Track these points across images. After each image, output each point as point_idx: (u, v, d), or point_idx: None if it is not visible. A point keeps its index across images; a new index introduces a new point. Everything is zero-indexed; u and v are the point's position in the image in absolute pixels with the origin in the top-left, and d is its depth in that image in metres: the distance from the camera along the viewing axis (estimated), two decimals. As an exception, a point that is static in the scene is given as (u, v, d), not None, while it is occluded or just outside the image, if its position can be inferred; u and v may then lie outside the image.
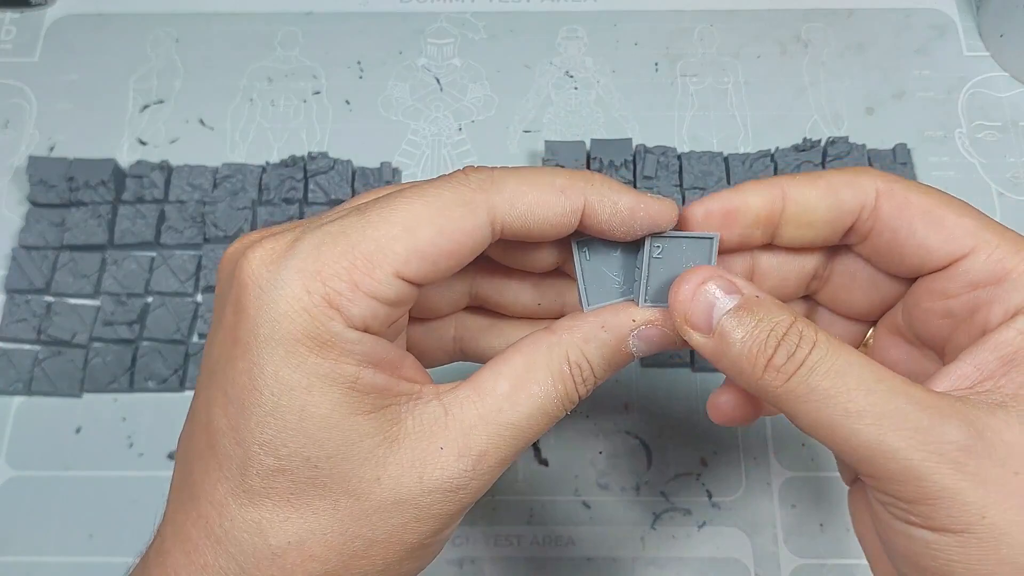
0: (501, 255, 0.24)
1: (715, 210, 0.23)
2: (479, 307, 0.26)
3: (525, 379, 0.21)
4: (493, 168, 0.22)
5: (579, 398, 0.22)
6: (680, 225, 0.23)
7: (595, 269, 0.23)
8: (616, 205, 0.22)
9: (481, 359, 0.26)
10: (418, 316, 0.25)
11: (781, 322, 0.20)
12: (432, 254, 0.20)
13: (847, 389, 0.19)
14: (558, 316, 0.24)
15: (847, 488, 0.24)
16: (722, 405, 0.24)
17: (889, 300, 0.24)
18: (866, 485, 0.20)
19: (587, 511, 0.34)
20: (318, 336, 0.19)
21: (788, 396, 0.20)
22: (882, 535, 0.21)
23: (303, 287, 0.19)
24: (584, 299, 0.23)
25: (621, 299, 0.23)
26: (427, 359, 0.26)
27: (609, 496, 0.35)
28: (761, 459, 0.35)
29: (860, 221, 0.22)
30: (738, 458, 0.35)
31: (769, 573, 0.34)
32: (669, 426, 0.36)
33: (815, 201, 0.22)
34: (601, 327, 0.22)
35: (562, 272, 0.25)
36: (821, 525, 0.34)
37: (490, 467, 0.21)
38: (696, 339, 0.21)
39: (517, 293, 0.25)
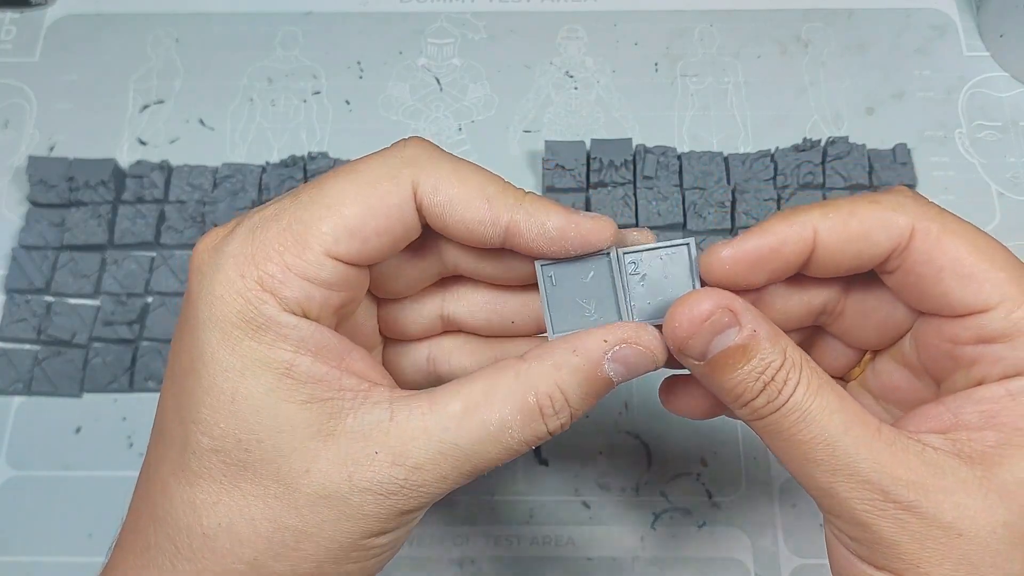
0: (470, 268, 0.23)
1: (740, 260, 0.21)
2: (455, 331, 0.25)
3: (481, 404, 0.20)
4: (435, 148, 0.21)
5: (549, 433, 0.21)
6: (706, 265, 0.21)
7: (563, 294, 0.22)
8: (544, 226, 0.21)
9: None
10: (393, 337, 0.25)
11: (772, 365, 0.20)
12: (361, 230, 0.20)
13: (810, 438, 0.20)
14: (535, 333, 0.24)
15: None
16: (680, 398, 0.24)
17: (900, 334, 0.23)
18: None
19: (587, 511, 0.34)
20: (252, 319, 0.19)
21: (760, 429, 0.21)
22: (834, 562, 0.22)
23: (237, 271, 0.19)
24: (549, 327, 0.21)
25: (592, 327, 0.21)
26: (404, 381, 0.26)
27: (609, 496, 0.35)
28: (761, 459, 0.35)
29: (890, 259, 0.21)
30: (738, 458, 0.35)
31: (769, 573, 0.34)
32: (669, 426, 0.36)
33: (846, 244, 0.21)
34: (572, 352, 0.21)
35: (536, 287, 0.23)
36: (821, 525, 0.34)
37: (426, 481, 0.20)
38: (688, 361, 0.21)
39: (488, 313, 0.24)
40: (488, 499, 0.35)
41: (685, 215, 0.39)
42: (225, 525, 0.20)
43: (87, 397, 0.37)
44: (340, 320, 0.22)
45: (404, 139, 0.21)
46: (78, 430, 0.36)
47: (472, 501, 0.35)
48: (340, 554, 0.20)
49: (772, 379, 0.20)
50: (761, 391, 0.20)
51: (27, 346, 0.37)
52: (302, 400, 0.20)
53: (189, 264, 0.20)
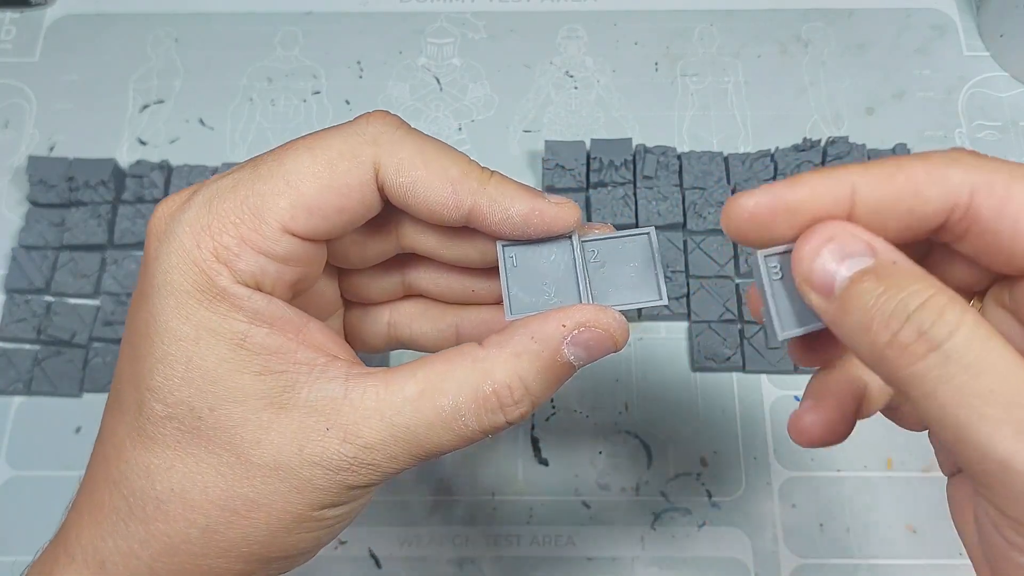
0: (432, 249, 0.23)
1: (764, 205, 0.18)
2: (416, 295, 0.25)
3: (437, 389, 0.20)
4: (400, 124, 0.21)
5: (507, 423, 0.20)
6: (726, 215, 0.19)
7: (523, 275, 0.21)
8: (507, 211, 0.21)
9: (412, 346, 0.25)
10: (353, 301, 0.25)
11: (916, 292, 0.16)
12: (320, 208, 0.20)
13: (987, 391, 0.15)
14: (497, 301, 0.24)
15: (897, 479, 0.20)
16: (808, 427, 0.20)
17: (993, 279, 0.20)
18: (977, 492, 0.17)
19: (587, 511, 0.34)
20: (207, 289, 0.19)
21: (913, 381, 0.16)
22: (986, 547, 0.18)
23: (193, 240, 0.19)
24: (508, 308, 0.21)
25: (551, 309, 0.21)
26: (364, 345, 0.25)
27: (609, 496, 0.35)
28: (761, 459, 0.35)
29: (951, 222, 0.18)
30: (738, 458, 0.35)
31: (769, 573, 0.34)
32: (669, 426, 0.36)
33: (892, 202, 0.18)
34: (531, 338, 0.20)
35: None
36: (821, 525, 0.34)
37: (376, 461, 0.20)
38: (815, 301, 0.18)
39: (450, 281, 0.24)
40: (488, 499, 0.35)
41: (685, 215, 0.39)
42: (178, 491, 0.20)
43: (87, 397, 0.37)
44: (298, 292, 0.21)
45: (368, 114, 0.21)
46: (78, 430, 0.36)
47: (472, 501, 0.35)
48: (292, 524, 0.20)
49: (920, 307, 0.16)
50: (905, 320, 0.16)
51: (27, 346, 0.37)
52: (255, 371, 0.20)
53: (147, 228, 0.21)
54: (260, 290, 0.20)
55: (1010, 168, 0.18)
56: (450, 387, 0.20)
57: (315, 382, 0.20)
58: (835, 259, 0.18)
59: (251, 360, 0.20)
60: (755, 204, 0.18)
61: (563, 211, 0.21)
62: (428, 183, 0.20)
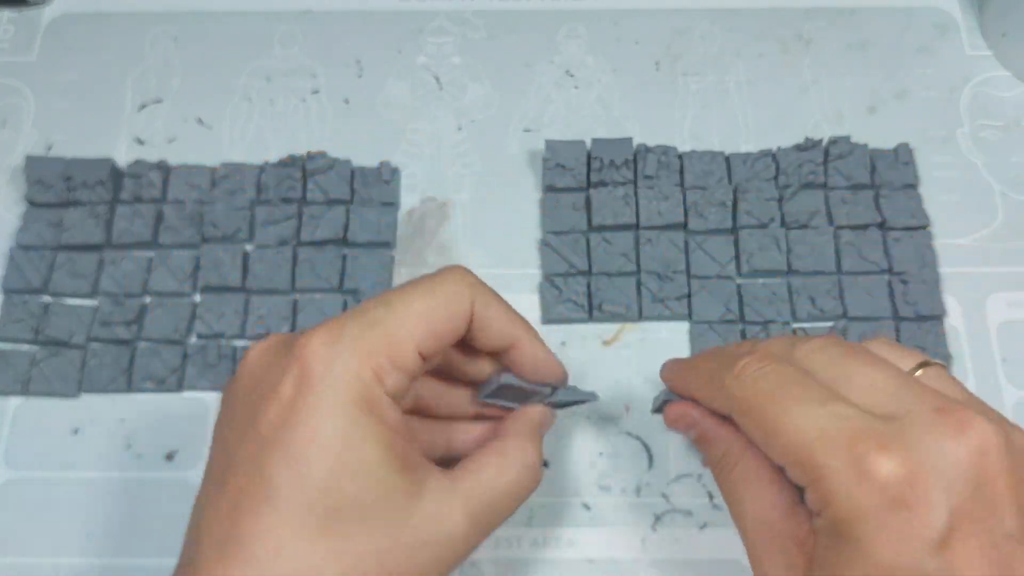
0: (459, 363, 0.30)
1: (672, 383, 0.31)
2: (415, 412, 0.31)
3: (503, 467, 0.28)
4: (476, 278, 0.28)
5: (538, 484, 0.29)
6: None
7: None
8: (536, 355, 0.29)
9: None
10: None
11: (716, 452, 0.28)
12: (441, 334, 0.26)
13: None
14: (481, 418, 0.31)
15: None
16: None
17: None
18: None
19: (588, 512, 0.34)
20: (369, 400, 0.25)
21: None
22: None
23: (357, 361, 0.25)
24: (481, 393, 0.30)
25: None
26: None
27: (610, 497, 0.35)
28: (763, 460, 0.35)
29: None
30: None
31: (771, 575, 0.33)
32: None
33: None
34: (529, 421, 0.30)
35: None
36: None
37: (483, 528, 0.27)
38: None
39: (450, 398, 0.31)
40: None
41: (686, 215, 0.39)
42: (345, 574, 0.24)
43: (85, 398, 0.37)
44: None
45: (458, 268, 0.28)
46: (76, 431, 0.36)
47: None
48: None
49: (717, 461, 0.28)
50: (713, 466, 0.29)
51: (24, 346, 0.37)
52: (399, 468, 0.25)
53: (299, 355, 0.25)
54: (396, 401, 0.26)
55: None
56: (511, 466, 0.28)
57: (430, 477, 0.26)
58: (683, 429, 0.30)
59: (397, 459, 0.25)
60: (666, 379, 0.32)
61: (557, 373, 0.30)
62: (499, 317, 0.28)
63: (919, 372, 0.26)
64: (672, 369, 0.32)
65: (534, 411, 0.31)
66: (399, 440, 0.25)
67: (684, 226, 0.39)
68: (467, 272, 0.28)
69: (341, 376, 0.24)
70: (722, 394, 0.27)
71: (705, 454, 0.30)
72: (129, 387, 0.36)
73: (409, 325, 0.26)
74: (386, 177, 0.40)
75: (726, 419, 0.28)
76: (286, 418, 0.24)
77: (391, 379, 0.25)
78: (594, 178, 0.39)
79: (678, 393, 0.31)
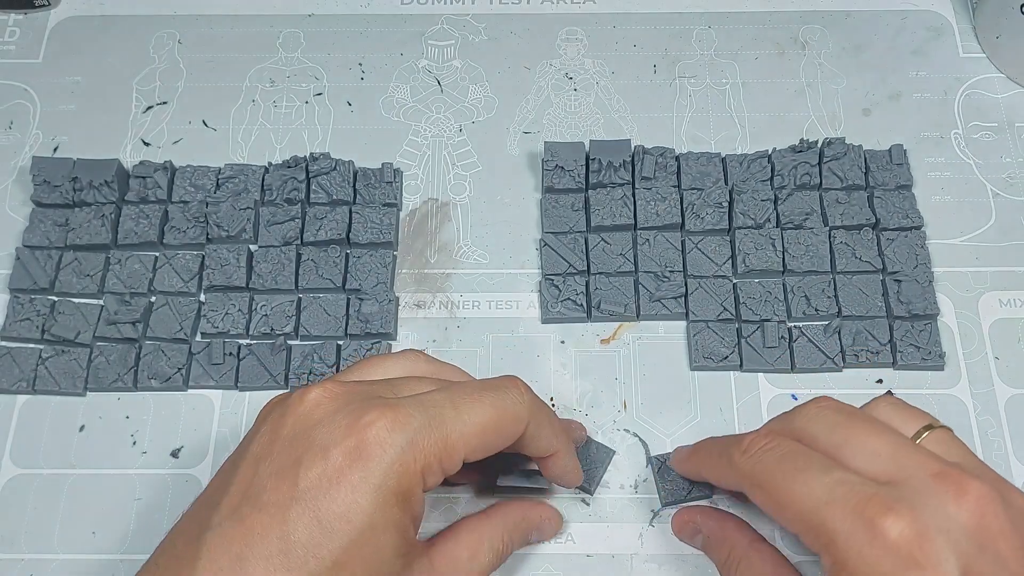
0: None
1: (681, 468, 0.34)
2: None
3: (477, 550, 0.30)
4: (535, 395, 0.29)
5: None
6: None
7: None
8: (567, 466, 0.32)
9: None
10: None
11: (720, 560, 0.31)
12: (490, 445, 0.28)
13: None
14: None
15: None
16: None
17: None
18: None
19: (586, 508, 0.35)
20: (406, 494, 0.26)
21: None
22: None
23: (412, 456, 0.26)
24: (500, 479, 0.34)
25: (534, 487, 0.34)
26: None
27: (608, 493, 0.35)
28: (759, 457, 0.36)
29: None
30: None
31: (766, 569, 0.34)
32: (667, 424, 0.36)
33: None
34: (522, 518, 0.32)
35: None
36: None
37: None
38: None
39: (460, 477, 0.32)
40: (488, 497, 0.35)
41: (683, 215, 0.39)
42: None
43: (91, 396, 0.37)
44: None
45: (519, 384, 0.29)
46: (82, 428, 0.37)
47: (472, 499, 0.35)
48: None
49: (723, 564, 0.31)
50: (721, 569, 0.31)
51: (31, 345, 0.38)
52: (404, 554, 0.26)
53: (361, 430, 0.25)
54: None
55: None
56: (483, 547, 0.30)
57: (417, 559, 0.28)
58: (688, 536, 0.34)
59: (404, 546, 0.26)
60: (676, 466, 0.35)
61: (579, 479, 0.33)
62: (547, 436, 0.30)
63: (924, 435, 0.27)
64: (681, 455, 0.34)
65: (535, 510, 0.33)
66: (412, 528, 0.27)
67: (681, 226, 0.39)
68: (527, 389, 0.29)
69: (391, 465, 0.25)
70: (732, 471, 0.29)
71: (713, 557, 0.32)
72: (135, 385, 0.37)
73: (468, 435, 0.27)
74: (388, 178, 0.40)
75: (729, 520, 0.31)
76: (327, 483, 0.25)
77: (432, 478, 0.26)
78: (593, 179, 0.40)
79: (690, 477, 0.34)
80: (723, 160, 0.41)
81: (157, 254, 0.39)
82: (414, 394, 0.28)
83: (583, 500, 0.35)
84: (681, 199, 0.40)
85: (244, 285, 0.38)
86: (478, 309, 0.39)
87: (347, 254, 0.39)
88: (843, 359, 0.37)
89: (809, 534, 0.25)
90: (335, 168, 0.40)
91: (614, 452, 0.35)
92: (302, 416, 0.26)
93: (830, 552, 0.24)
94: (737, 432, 0.36)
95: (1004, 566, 0.24)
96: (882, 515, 0.23)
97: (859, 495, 0.24)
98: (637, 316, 0.38)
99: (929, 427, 0.28)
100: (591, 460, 0.35)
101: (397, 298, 0.39)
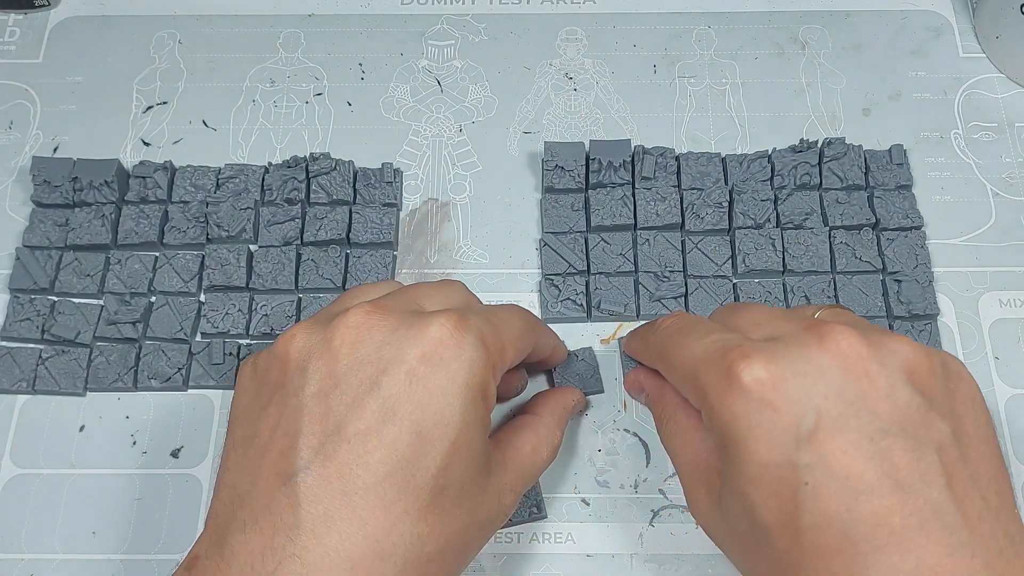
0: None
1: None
2: None
3: (537, 444, 0.31)
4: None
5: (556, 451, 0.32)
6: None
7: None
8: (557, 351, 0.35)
9: None
10: None
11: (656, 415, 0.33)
12: (525, 349, 0.30)
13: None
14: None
15: None
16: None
17: None
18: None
19: (586, 508, 0.35)
20: (485, 388, 0.26)
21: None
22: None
23: (483, 353, 0.26)
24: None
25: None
26: None
27: (608, 493, 0.35)
28: (759, 457, 0.36)
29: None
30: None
31: (766, 569, 0.34)
32: (667, 424, 0.36)
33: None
34: (563, 407, 0.33)
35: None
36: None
37: (517, 501, 0.29)
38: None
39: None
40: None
41: (683, 215, 0.39)
42: (438, 551, 0.25)
43: (91, 396, 0.37)
44: None
45: (519, 305, 0.32)
46: (82, 428, 0.37)
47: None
48: (477, 553, 0.28)
49: (657, 419, 0.32)
50: (658, 420, 0.32)
51: (31, 345, 0.38)
52: (489, 450, 0.27)
53: (424, 333, 0.26)
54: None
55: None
56: (543, 443, 0.31)
57: (491, 453, 0.28)
58: (636, 392, 0.35)
59: (488, 444, 0.27)
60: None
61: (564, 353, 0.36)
62: (548, 336, 0.34)
63: (821, 311, 0.29)
64: (626, 338, 0.36)
65: (569, 394, 0.34)
66: (489, 424, 0.27)
67: (681, 226, 0.39)
68: (533, 315, 0.32)
69: (470, 364, 0.26)
70: (646, 347, 0.31)
71: (653, 413, 0.33)
72: (135, 385, 0.37)
73: (514, 336, 0.28)
74: (388, 178, 0.40)
75: (667, 383, 0.31)
76: (415, 395, 0.25)
77: (498, 374, 0.27)
78: (593, 179, 0.40)
79: (631, 357, 0.35)
80: (723, 160, 0.41)
81: (157, 254, 0.39)
82: (450, 305, 0.29)
83: (583, 500, 0.35)
84: (681, 199, 0.40)
85: (244, 285, 0.38)
86: (478, 309, 0.39)
87: (347, 254, 0.39)
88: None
89: (690, 391, 0.27)
90: (335, 168, 0.40)
91: (589, 346, 0.37)
92: (358, 342, 0.26)
93: (703, 404, 0.26)
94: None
95: (866, 406, 0.24)
96: (739, 361, 0.25)
97: (724, 347, 0.25)
98: (637, 316, 0.38)
99: (828, 307, 0.29)
100: (583, 366, 0.37)
101: (397, 298, 0.39)
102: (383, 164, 0.41)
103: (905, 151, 0.41)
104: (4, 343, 0.38)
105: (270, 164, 0.41)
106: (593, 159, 0.40)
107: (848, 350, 0.24)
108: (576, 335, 0.38)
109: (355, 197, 0.40)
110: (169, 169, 0.41)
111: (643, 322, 0.36)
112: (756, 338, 0.26)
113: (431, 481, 0.24)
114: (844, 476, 0.23)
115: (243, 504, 0.24)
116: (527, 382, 0.36)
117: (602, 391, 0.36)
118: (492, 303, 0.33)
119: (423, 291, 0.29)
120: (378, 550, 0.24)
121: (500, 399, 0.34)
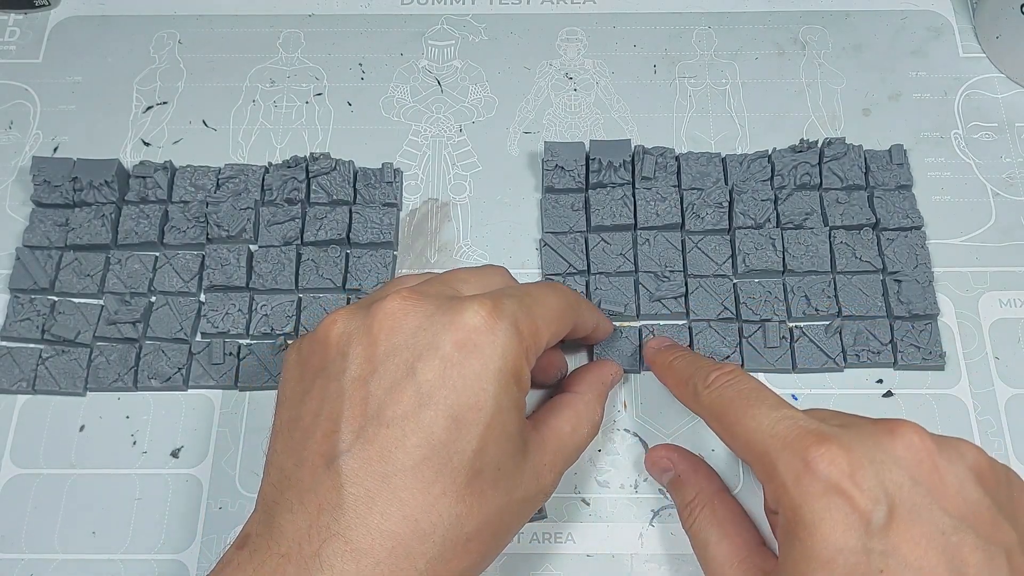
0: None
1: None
2: None
3: (577, 423, 0.31)
4: (578, 294, 0.33)
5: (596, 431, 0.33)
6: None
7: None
8: (600, 328, 0.35)
9: None
10: None
11: (686, 498, 0.33)
12: (562, 330, 0.30)
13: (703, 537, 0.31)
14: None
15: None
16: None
17: None
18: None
19: (586, 508, 0.35)
20: (519, 372, 0.27)
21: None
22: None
23: (517, 338, 0.27)
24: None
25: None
26: None
27: (608, 493, 0.35)
28: (759, 457, 0.36)
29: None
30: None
31: (767, 569, 0.34)
32: (668, 425, 0.36)
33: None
34: (601, 383, 0.33)
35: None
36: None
37: (558, 480, 0.30)
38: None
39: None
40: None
41: (683, 215, 0.39)
42: (476, 530, 0.26)
43: (91, 395, 0.37)
44: None
45: (556, 283, 0.33)
46: (82, 428, 0.37)
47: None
48: (509, 540, 0.29)
49: (686, 505, 0.32)
50: (682, 510, 0.33)
51: (31, 345, 0.38)
52: (522, 431, 0.28)
53: (458, 319, 0.26)
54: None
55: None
56: (583, 422, 0.31)
57: (530, 433, 0.29)
58: (658, 472, 0.35)
59: (523, 425, 0.28)
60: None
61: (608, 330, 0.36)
62: (589, 313, 0.33)
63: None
64: (655, 352, 0.35)
65: (607, 368, 0.34)
66: (524, 407, 0.28)
67: (681, 226, 0.39)
68: (573, 292, 0.33)
69: (505, 349, 0.26)
70: (695, 401, 0.31)
71: (677, 497, 0.33)
72: (135, 385, 0.37)
73: (549, 319, 0.29)
74: (388, 178, 0.40)
75: (702, 466, 0.33)
76: (451, 380, 0.26)
77: (532, 357, 0.28)
78: (593, 179, 0.40)
79: (656, 375, 0.35)
80: (723, 160, 0.41)
81: (157, 254, 0.39)
82: (488, 289, 0.29)
83: (583, 500, 0.35)
84: (681, 199, 0.40)
85: (244, 285, 0.38)
86: (478, 309, 0.39)
87: (347, 254, 0.39)
88: (844, 359, 0.37)
89: (757, 464, 0.27)
90: (335, 168, 0.40)
91: (638, 326, 0.38)
92: (396, 328, 0.27)
93: (771, 481, 0.26)
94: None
95: (938, 502, 0.24)
96: (817, 445, 0.25)
97: (798, 429, 0.26)
98: (637, 316, 0.38)
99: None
100: (625, 343, 0.38)
101: (397, 298, 0.39)
102: (383, 164, 0.41)
103: (905, 151, 0.41)
104: (4, 343, 0.38)
105: (270, 164, 0.41)
106: (593, 159, 0.40)
107: (920, 444, 0.25)
108: (576, 335, 0.38)
109: (355, 197, 0.40)
110: (169, 169, 0.41)
111: (643, 322, 0.36)
112: (829, 424, 0.27)
113: (467, 464, 0.25)
114: (917, 567, 0.23)
115: (290, 485, 0.26)
116: (567, 369, 0.35)
117: (639, 372, 0.37)
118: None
119: (462, 276, 0.30)
120: (417, 529, 0.25)
121: (538, 386, 0.35)
